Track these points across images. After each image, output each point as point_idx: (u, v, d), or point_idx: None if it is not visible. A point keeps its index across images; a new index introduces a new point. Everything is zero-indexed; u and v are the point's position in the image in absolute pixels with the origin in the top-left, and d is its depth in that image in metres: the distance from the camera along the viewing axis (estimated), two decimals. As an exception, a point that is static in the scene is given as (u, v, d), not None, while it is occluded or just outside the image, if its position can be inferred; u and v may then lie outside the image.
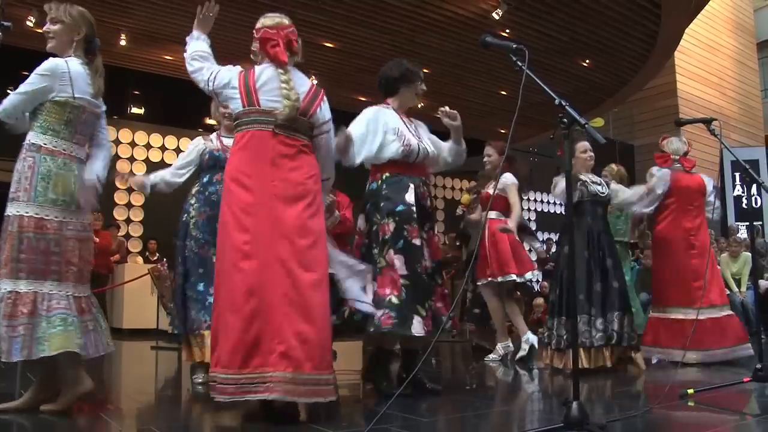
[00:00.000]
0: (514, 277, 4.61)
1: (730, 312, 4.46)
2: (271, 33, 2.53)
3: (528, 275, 4.72)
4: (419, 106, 3.28)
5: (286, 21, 2.58)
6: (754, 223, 11.23)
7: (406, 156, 3.00)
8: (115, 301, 8.21)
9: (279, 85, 2.47)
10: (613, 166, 5.08)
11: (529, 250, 7.56)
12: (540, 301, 8.02)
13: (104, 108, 2.65)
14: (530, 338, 4.70)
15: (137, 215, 9.64)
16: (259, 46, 2.54)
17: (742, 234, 10.11)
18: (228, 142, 3.40)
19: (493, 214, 4.69)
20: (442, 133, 3.27)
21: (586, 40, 9.39)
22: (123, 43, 8.86)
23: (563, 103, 2.08)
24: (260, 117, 2.43)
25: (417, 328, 2.75)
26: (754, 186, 12.01)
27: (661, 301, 4.41)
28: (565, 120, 2.08)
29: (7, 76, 8.17)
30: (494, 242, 4.62)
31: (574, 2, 8.34)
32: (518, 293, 5.19)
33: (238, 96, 2.45)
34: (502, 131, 11.98)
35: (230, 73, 2.50)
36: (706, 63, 15.50)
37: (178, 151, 10.03)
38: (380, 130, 3.02)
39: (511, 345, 4.79)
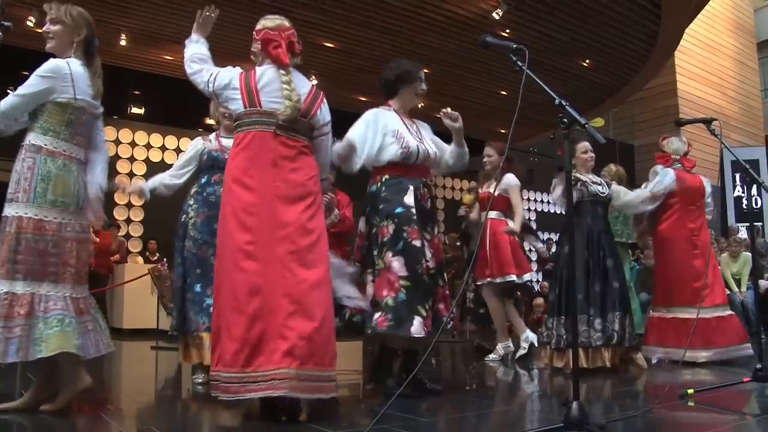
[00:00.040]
0: (513, 277, 4.62)
1: (731, 311, 4.50)
2: (272, 34, 2.54)
3: (526, 276, 4.74)
4: (419, 105, 3.26)
5: (286, 23, 2.60)
6: (754, 223, 11.22)
7: (405, 158, 3.00)
8: (115, 301, 8.21)
9: (280, 86, 2.47)
10: (612, 166, 5.08)
11: (530, 250, 7.57)
12: (540, 301, 8.03)
13: (102, 110, 2.65)
14: (529, 336, 4.72)
15: (137, 215, 9.63)
16: (260, 47, 2.55)
17: (742, 234, 10.09)
18: (226, 142, 3.40)
19: (493, 214, 4.70)
20: (444, 134, 3.27)
21: (586, 40, 9.39)
22: (123, 43, 8.87)
23: (563, 103, 2.08)
24: (261, 118, 2.44)
25: (417, 328, 2.75)
26: (755, 187, 12.01)
27: (666, 301, 4.40)
28: (565, 120, 2.08)
29: (7, 76, 8.18)
30: (495, 242, 4.63)
31: (574, 2, 8.34)
32: (518, 293, 5.18)
33: (239, 97, 2.46)
34: (502, 131, 11.98)
35: (230, 74, 2.50)
36: (706, 63, 15.50)
37: (178, 151, 10.03)
38: (379, 132, 3.02)
39: (511, 345, 4.79)
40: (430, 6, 8.29)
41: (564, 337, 3.83)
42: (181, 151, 9.89)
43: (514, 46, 2.23)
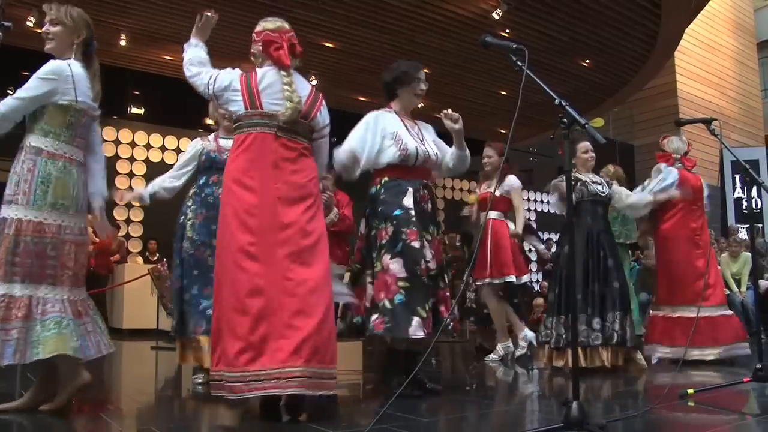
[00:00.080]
0: (512, 278, 4.63)
1: (731, 311, 4.55)
2: (273, 36, 2.55)
3: (524, 278, 4.79)
4: (419, 106, 3.25)
5: (286, 25, 2.61)
6: (754, 224, 11.21)
7: (403, 160, 3.00)
8: (115, 301, 8.21)
9: (281, 88, 2.48)
10: (610, 167, 5.08)
11: (530, 250, 7.58)
12: (540, 301, 8.03)
13: (99, 111, 2.65)
14: (528, 335, 4.73)
15: (137, 215, 9.63)
16: (262, 48, 2.55)
17: (742, 234, 10.09)
18: (224, 143, 3.40)
19: (494, 215, 4.71)
20: (446, 135, 3.25)
21: (586, 40, 9.40)
22: (123, 43, 8.87)
23: (563, 103, 2.08)
24: (262, 120, 2.44)
25: (414, 329, 2.74)
26: (755, 188, 11.98)
27: (670, 300, 4.40)
28: (565, 120, 2.08)
29: (7, 76, 8.19)
30: (496, 243, 4.64)
31: (574, 2, 8.34)
32: (519, 296, 5.18)
33: (240, 98, 2.46)
34: (502, 131, 11.98)
35: (231, 76, 2.50)
36: (706, 63, 15.50)
37: (177, 151, 10.02)
38: (378, 135, 3.03)
39: (511, 345, 4.79)
40: (430, 6, 8.29)
41: (563, 336, 3.83)
42: (181, 151, 9.90)
43: (514, 46, 2.23)
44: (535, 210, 13.48)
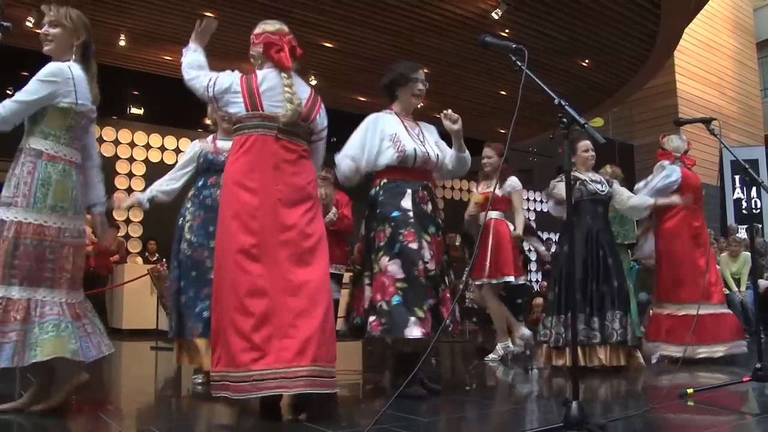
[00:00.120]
0: (511, 279, 4.63)
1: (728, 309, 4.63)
2: (274, 38, 2.56)
3: (521, 280, 4.82)
4: (419, 106, 3.25)
5: (285, 28, 2.62)
6: (754, 223, 11.20)
7: (402, 162, 3.00)
8: (114, 302, 8.21)
9: (282, 90, 2.49)
10: (608, 167, 5.08)
11: (529, 250, 7.58)
12: (539, 300, 8.03)
13: (96, 114, 2.64)
14: (525, 333, 4.74)
15: (137, 216, 9.63)
16: (262, 50, 2.56)
17: (742, 234, 10.09)
18: (222, 144, 3.40)
19: (496, 215, 4.71)
20: (448, 136, 3.24)
21: (585, 40, 9.40)
22: (122, 43, 8.86)
23: (563, 103, 2.08)
24: (263, 122, 2.45)
25: (411, 330, 2.74)
26: (754, 189, 11.97)
27: (674, 298, 4.40)
28: (565, 120, 2.08)
29: (6, 76, 8.19)
30: (498, 243, 4.64)
31: (574, 2, 8.34)
32: (521, 298, 5.20)
33: (241, 100, 2.46)
34: (502, 131, 11.98)
35: (231, 78, 2.50)
36: (706, 63, 15.50)
37: (177, 151, 10.02)
38: (377, 137, 3.04)
39: (511, 345, 4.78)
40: (429, 6, 8.29)
41: (563, 335, 3.83)
42: (181, 151, 9.92)
43: (514, 46, 2.23)
44: (535, 210, 13.48)
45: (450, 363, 5.12)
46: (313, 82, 9.80)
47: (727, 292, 7.03)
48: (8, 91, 8.69)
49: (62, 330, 2.34)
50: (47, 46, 2.51)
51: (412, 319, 2.76)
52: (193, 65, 2.57)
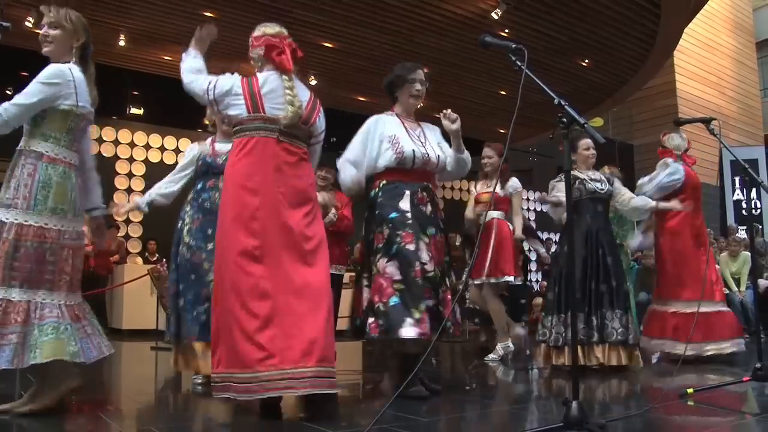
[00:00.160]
0: (511, 279, 4.64)
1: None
2: (274, 41, 2.56)
3: (518, 280, 4.86)
4: (418, 106, 3.24)
5: (285, 31, 2.63)
6: (754, 223, 11.19)
7: (400, 163, 3.00)
8: (114, 302, 8.21)
9: (283, 92, 2.50)
10: (606, 168, 5.09)
11: (529, 250, 7.57)
12: (540, 300, 8.03)
13: (93, 116, 2.65)
14: (519, 332, 4.77)
15: (137, 216, 9.58)
16: (264, 52, 2.56)
17: (742, 234, 10.09)
18: (220, 147, 3.41)
19: (498, 215, 4.72)
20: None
21: (585, 40, 9.40)
22: (122, 43, 8.86)
23: (562, 103, 2.08)
24: (264, 124, 2.46)
25: (407, 331, 2.74)
26: (754, 190, 11.94)
27: (680, 296, 4.41)
28: (565, 120, 2.08)
29: (6, 76, 8.19)
30: (500, 242, 4.65)
31: (574, 2, 8.34)
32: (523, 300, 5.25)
33: (242, 102, 2.47)
34: (502, 131, 11.98)
35: (231, 81, 2.50)
36: (705, 62, 15.51)
37: (177, 151, 10.02)
38: (376, 139, 3.05)
39: (511, 345, 4.79)
40: (429, 6, 8.29)
41: (562, 334, 3.83)
42: (180, 151, 9.92)
43: (513, 45, 2.23)
44: (535, 210, 13.48)
45: (450, 363, 5.12)
46: (313, 82, 9.81)
47: (727, 291, 7.04)
48: (8, 92, 8.70)
49: (61, 332, 2.34)
50: (47, 47, 2.50)
51: (408, 319, 2.76)
52: (192, 69, 2.58)
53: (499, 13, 8.31)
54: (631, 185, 4.75)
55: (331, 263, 3.17)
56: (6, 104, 2.33)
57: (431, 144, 3.11)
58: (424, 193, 3.04)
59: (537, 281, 11.62)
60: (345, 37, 9.05)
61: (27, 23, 7.52)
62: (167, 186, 3.47)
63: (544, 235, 12.11)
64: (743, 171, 3.35)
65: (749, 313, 6.95)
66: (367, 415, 2.53)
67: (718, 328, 4.33)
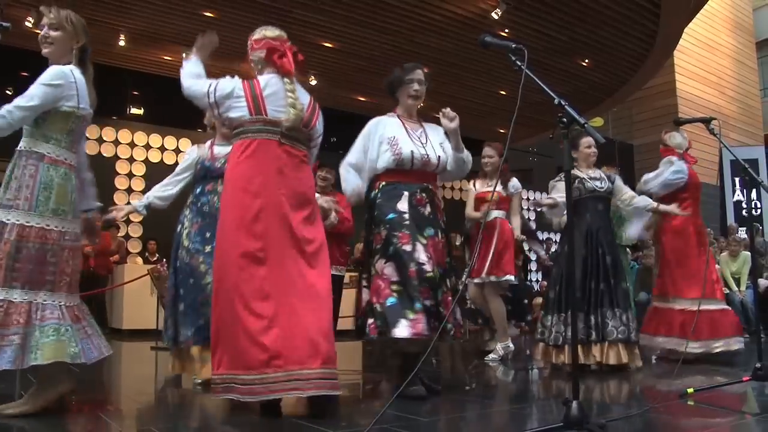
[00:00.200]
0: (512, 278, 4.64)
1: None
2: (275, 44, 2.58)
3: (516, 280, 4.90)
4: (418, 106, 3.24)
5: (284, 34, 2.64)
6: (754, 223, 11.18)
7: (398, 164, 3.00)
8: (114, 302, 8.21)
9: (285, 95, 2.51)
10: (604, 169, 5.09)
11: (529, 250, 7.58)
12: (540, 300, 8.03)
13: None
14: (511, 332, 4.81)
15: (136, 216, 9.56)
16: (265, 55, 2.57)
17: (742, 233, 10.09)
18: (219, 150, 3.42)
19: (500, 214, 4.73)
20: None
21: (585, 40, 9.40)
22: (122, 43, 8.86)
23: (562, 103, 2.08)
24: (266, 126, 2.47)
25: (401, 330, 2.74)
26: (754, 191, 11.93)
27: (686, 294, 4.41)
28: (565, 119, 2.08)
29: (6, 76, 8.19)
30: (505, 242, 4.67)
31: (573, 2, 8.35)
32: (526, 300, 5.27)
33: (244, 104, 2.47)
34: (502, 131, 11.99)
35: (233, 83, 2.51)
36: (705, 62, 15.51)
37: (177, 151, 10.02)
38: (376, 141, 3.06)
39: (511, 345, 4.79)
40: (429, 6, 8.29)
41: (562, 334, 3.83)
42: (180, 151, 9.92)
43: (513, 45, 2.23)
44: (535, 210, 13.47)
45: (450, 363, 5.12)
46: (313, 82, 9.80)
47: (727, 291, 7.04)
48: (8, 92, 8.70)
49: (62, 334, 2.34)
50: (47, 48, 2.49)
51: (403, 320, 2.76)
52: (192, 74, 2.58)
53: (499, 13, 8.31)
54: (631, 185, 4.76)
55: (332, 264, 3.18)
56: (10, 107, 2.32)
57: (432, 144, 3.10)
58: (423, 194, 3.03)
59: (537, 281, 11.62)
60: (345, 37, 9.05)
61: (27, 23, 7.51)
62: (165, 189, 3.47)
63: (544, 235, 12.12)
64: (743, 171, 3.35)
65: (749, 313, 6.95)
66: (367, 415, 2.53)
67: (724, 326, 4.38)
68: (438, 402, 2.84)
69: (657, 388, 3.38)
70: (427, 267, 2.86)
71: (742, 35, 17.01)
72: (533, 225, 12.32)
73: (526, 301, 4.99)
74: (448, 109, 3.02)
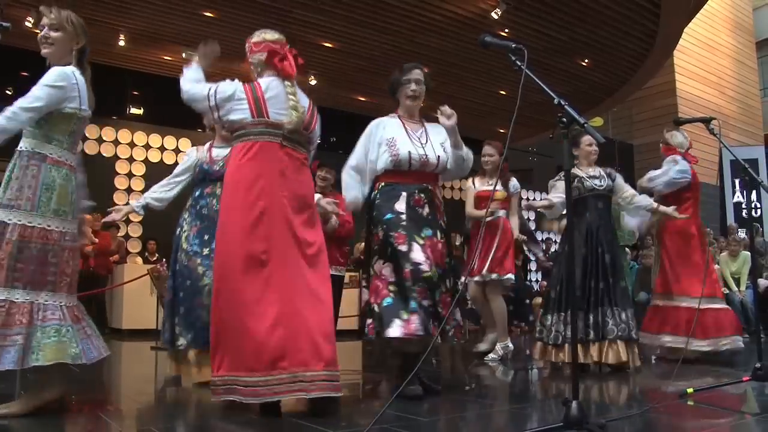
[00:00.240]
0: (513, 276, 4.64)
1: None
2: (276, 47, 2.58)
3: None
4: (418, 105, 3.23)
5: (283, 38, 2.65)
6: (754, 223, 11.18)
7: (396, 165, 3.01)
8: (114, 302, 8.21)
9: (286, 98, 2.52)
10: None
11: (528, 250, 7.58)
12: (539, 300, 8.03)
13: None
14: (491, 338, 4.82)
15: (136, 216, 9.56)
16: (266, 58, 2.57)
17: (742, 233, 10.09)
18: (217, 152, 3.43)
19: (503, 213, 4.74)
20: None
21: (585, 40, 9.40)
22: (122, 43, 8.86)
23: (562, 103, 2.08)
24: (268, 129, 2.48)
25: (393, 330, 2.75)
26: (754, 193, 11.93)
27: (692, 292, 4.41)
28: (564, 119, 2.08)
29: (6, 76, 8.19)
30: (509, 241, 4.68)
31: (573, 2, 8.35)
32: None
33: (246, 106, 2.48)
34: (502, 131, 11.99)
35: (233, 86, 2.51)
36: (705, 62, 15.52)
37: (177, 151, 10.02)
38: (375, 143, 3.07)
39: (510, 345, 4.79)
40: (429, 6, 8.29)
41: (562, 333, 3.83)
42: (180, 151, 9.92)
43: (513, 45, 2.23)
44: (534, 209, 13.47)
45: (450, 363, 5.12)
46: (313, 82, 9.80)
47: (727, 291, 7.04)
48: (8, 92, 8.70)
49: (63, 335, 2.34)
50: (47, 49, 2.48)
51: (397, 320, 2.77)
52: (192, 79, 2.58)
53: (499, 13, 8.31)
54: (630, 185, 4.76)
55: (332, 264, 3.18)
56: (15, 108, 2.31)
57: (432, 145, 3.09)
58: (422, 195, 3.02)
59: (537, 281, 11.62)
60: (345, 37, 9.05)
61: (27, 23, 7.51)
62: (162, 191, 3.47)
63: (543, 235, 12.12)
64: (743, 171, 3.35)
65: (749, 313, 6.96)
66: (367, 415, 2.53)
67: (728, 324, 4.41)
68: (438, 402, 2.84)
69: (657, 388, 3.38)
70: (424, 267, 2.85)
71: (742, 35, 17.02)
72: (533, 225, 12.33)
73: (528, 301, 4.98)
74: (446, 107, 3.00)
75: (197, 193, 3.44)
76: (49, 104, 2.36)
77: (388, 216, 2.94)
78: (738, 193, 12.80)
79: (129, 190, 9.59)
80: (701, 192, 4.77)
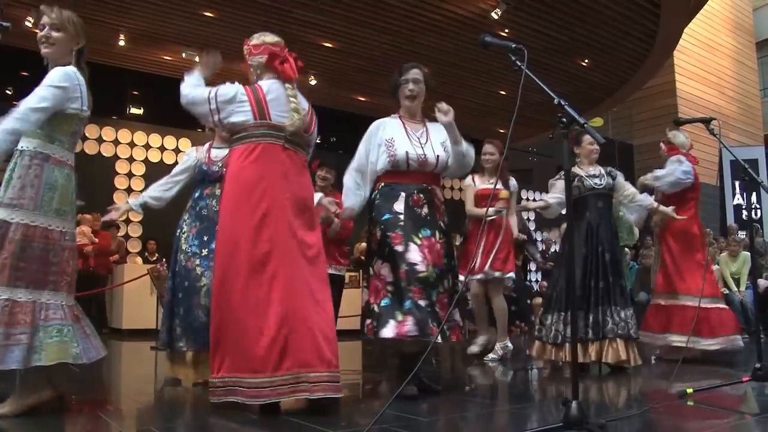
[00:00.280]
0: (513, 275, 4.65)
1: None
2: (276, 50, 2.59)
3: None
4: (417, 105, 3.22)
5: (282, 41, 2.66)
6: (754, 223, 11.18)
7: (394, 166, 3.01)
8: (114, 302, 8.21)
9: (287, 100, 2.54)
10: None
11: (527, 250, 7.57)
12: (539, 300, 8.03)
13: None
14: (480, 341, 4.84)
15: (136, 215, 9.51)
16: (266, 60, 2.58)
17: (741, 234, 10.09)
18: (216, 153, 3.43)
19: (504, 211, 4.74)
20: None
21: (585, 40, 9.40)
22: (122, 43, 8.86)
23: (562, 103, 2.08)
24: (269, 131, 2.49)
25: (387, 331, 2.76)
26: (755, 195, 11.92)
27: (697, 291, 4.39)
28: (564, 119, 2.08)
29: (6, 76, 8.19)
30: (508, 239, 4.68)
31: (573, 2, 8.35)
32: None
33: (249, 108, 2.48)
34: (501, 131, 11.99)
35: (234, 88, 2.52)
36: (705, 62, 15.52)
37: (177, 151, 10.02)
38: (375, 144, 3.07)
39: (510, 345, 4.79)
40: (429, 6, 8.29)
41: (562, 332, 3.83)
42: (180, 151, 9.92)
43: (513, 45, 2.23)
44: (528, 210, 13.45)
45: (450, 363, 5.12)
46: (313, 82, 9.80)
47: (727, 291, 7.05)
48: (8, 91, 8.70)
49: (65, 335, 2.35)
50: (47, 49, 2.47)
51: (391, 320, 2.77)
52: (192, 85, 2.59)
53: (499, 13, 8.31)
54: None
55: (332, 264, 3.19)
56: (23, 110, 2.30)
57: (433, 144, 3.08)
58: (421, 195, 3.02)
59: (536, 281, 11.61)
60: (345, 37, 9.05)
61: (27, 23, 7.50)
62: (161, 191, 3.47)
63: (543, 235, 12.11)
64: (743, 171, 3.35)
65: (749, 313, 6.96)
66: (367, 415, 2.54)
67: (730, 323, 4.44)
68: (438, 402, 2.84)
69: (657, 388, 3.38)
70: (420, 267, 2.84)
71: (742, 35, 17.02)
72: (532, 225, 12.33)
73: (529, 301, 4.98)
74: (443, 103, 2.98)
75: (197, 194, 3.45)
76: (55, 104, 2.36)
77: (387, 216, 2.95)
78: (738, 196, 12.79)
79: (129, 190, 9.58)
80: (701, 192, 4.77)
